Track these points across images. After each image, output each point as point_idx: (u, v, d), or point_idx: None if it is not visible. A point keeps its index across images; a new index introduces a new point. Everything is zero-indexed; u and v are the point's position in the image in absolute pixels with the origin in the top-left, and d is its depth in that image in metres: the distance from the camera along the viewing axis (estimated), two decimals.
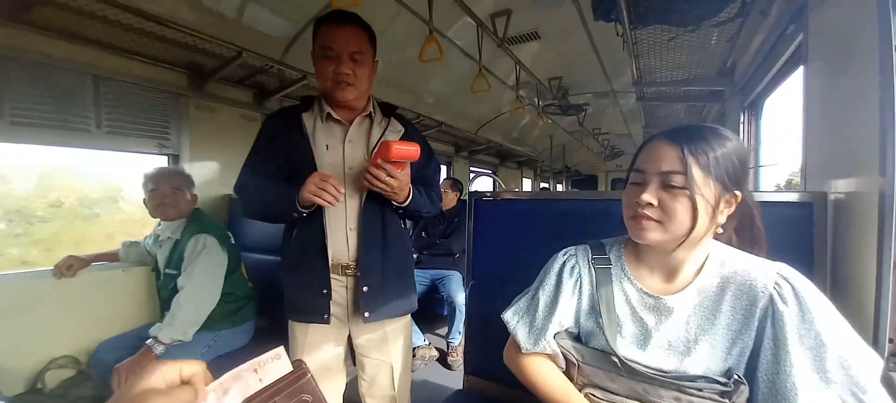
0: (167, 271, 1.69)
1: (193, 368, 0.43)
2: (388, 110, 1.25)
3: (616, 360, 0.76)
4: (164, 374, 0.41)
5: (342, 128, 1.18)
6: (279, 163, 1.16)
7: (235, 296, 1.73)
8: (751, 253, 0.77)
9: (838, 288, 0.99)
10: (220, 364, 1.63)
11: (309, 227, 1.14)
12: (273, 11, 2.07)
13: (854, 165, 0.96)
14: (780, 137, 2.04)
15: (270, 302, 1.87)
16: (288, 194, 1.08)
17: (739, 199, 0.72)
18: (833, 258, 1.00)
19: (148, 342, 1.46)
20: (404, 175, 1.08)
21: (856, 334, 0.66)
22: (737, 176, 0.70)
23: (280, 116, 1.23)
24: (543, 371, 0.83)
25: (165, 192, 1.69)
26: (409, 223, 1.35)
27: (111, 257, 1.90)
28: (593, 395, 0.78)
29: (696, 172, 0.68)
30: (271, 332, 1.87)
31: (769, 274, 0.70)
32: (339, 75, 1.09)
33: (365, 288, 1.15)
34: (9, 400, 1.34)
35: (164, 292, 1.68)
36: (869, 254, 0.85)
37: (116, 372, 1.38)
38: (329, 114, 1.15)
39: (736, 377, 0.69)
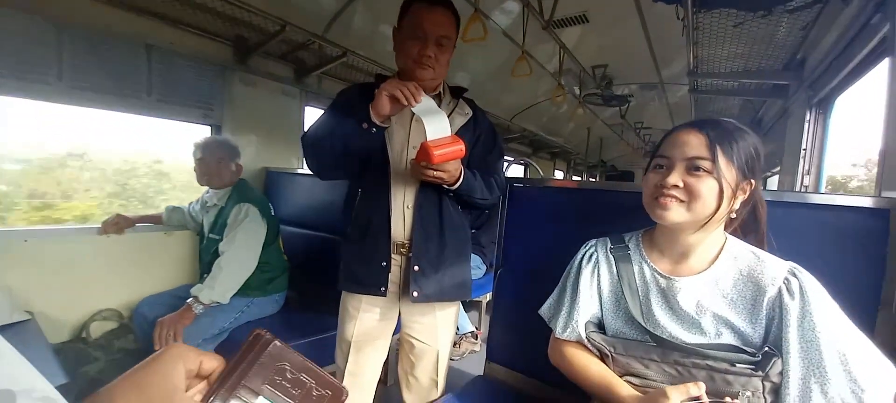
0: (210, 236, 1.76)
1: (213, 364, 0.41)
2: (457, 92, 1.24)
3: (646, 336, 0.80)
4: (186, 361, 0.39)
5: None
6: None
7: (271, 266, 1.79)
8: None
9: None
10: (250, 330, 1.69)
11: (374, 200, 1.15)
12: None
13: None
14: (851, 138, 1.87)
15: (302, 275, 1.92)
16: (359, 111, 1.06)
17: (753, 187, 0.77)
18: None
19: (188, 301, 1.53)
20: (450, 164, 1.05)
21: (870, 342, 0.68)
22: (752, 166, 0.76)
23: (354, 90, 1.23)
24: (585, 361, 0.86)
25: (211, 162, 1.76)
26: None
27: (155, 219, 2.00)
28: (631, 382, 0.79)
29: (722, 158, 0.74)
30: (300, 304, 1.92)
31: (781, 269, 0.74)
32: (422, 57, 1.08)
33: (416, 268, 1.14)
34: (54, 348, 1.45)
35: (206, 255, 1.75)
36: None
37: (159, 325, 1.46)
38: None
39: (767, 349, 0.71)
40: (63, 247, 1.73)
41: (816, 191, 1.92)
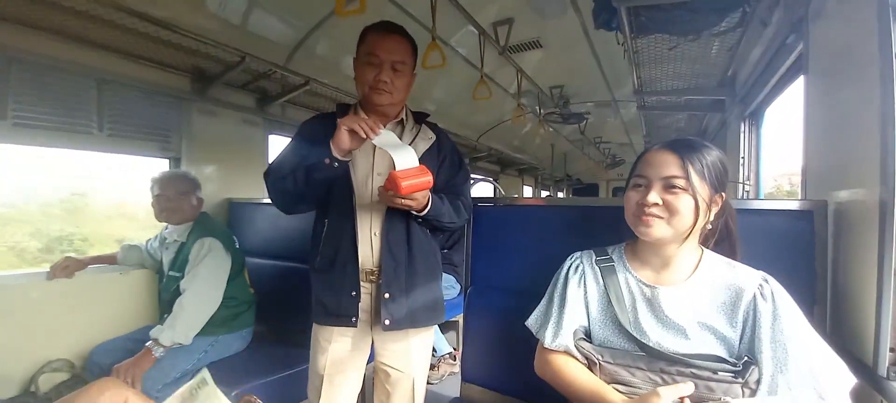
0: (171, 273, 1.69)
1: None
2: (420, 118, 1.26)
3: (633, 345, 0.84)
4: (113, 397, 0.43)
5: None
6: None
7: (237, 301, 1.73)
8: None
9: (838, 297, 0.98)
10: (215, 369, 1.60)
11: (341, 230, 1.15)
12: (278, 18, 2.09)
13: (855, 174, 0.96)
14: (780, 146, 2.05)
15: (270, 307, 1.87)
16: (320, 147, 1.08)
17: (724, 199, 0.85)
18: (833, 266, 0.99)
19: (148, 344, 1.45)
20: (418, 194, 1.07)
21: (826, 345, 0.76)
22: (721, 179, 0.83)
23: (316, 121, 1.24)
24: (573, 370, 0.89)
25: (170, 197, 1.70)
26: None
27: (109, 260, 1.89)
28: (617, 389, 0.82)
29: (694, 175, 0.80)
30: (269, 338, 1.86)
31: (755, 277, 0.81)
32: (378, 82, 1.11)
33: (386, 295, 1.14)
34: None
35: (166, 294, 1.67)
36: (869, 263, 0.85)
37: (115, 372, 1.38)
38: None
39: (746, 358, 0.76)
40: (7, 295, 1.61)
41: (756, 197, 2.09)
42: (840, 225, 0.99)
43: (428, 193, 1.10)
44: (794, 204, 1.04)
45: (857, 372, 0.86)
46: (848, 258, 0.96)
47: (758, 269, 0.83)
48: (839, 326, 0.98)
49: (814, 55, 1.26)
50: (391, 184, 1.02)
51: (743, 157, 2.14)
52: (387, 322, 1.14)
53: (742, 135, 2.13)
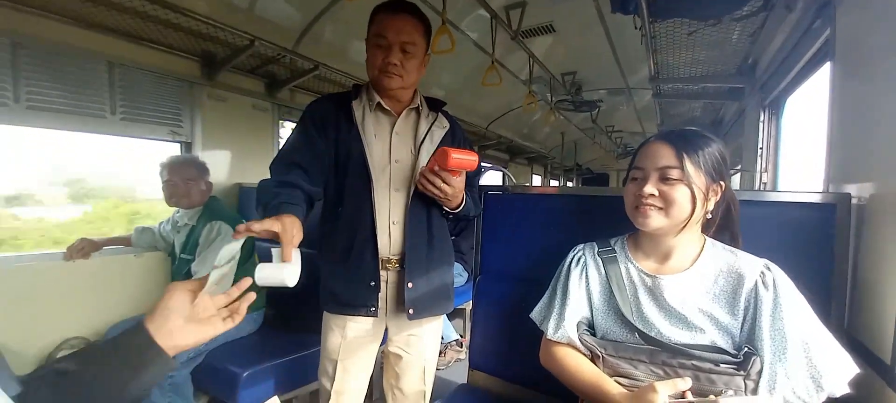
0: (182, 256, 1.72)
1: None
2: (436, 105, 1.23)
3: (635, 336, 0.84)
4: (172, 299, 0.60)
5: (390, 120, 1.16)
6: (325, 148, 1.11)
7: None
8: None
9: (859, 293, 0.96)
10: (226, 351, 1.62)
11: (358, 218, 1.12)
12: (285, 1, 2.07)
13: (881, 167, 0.92)
14: (800, 137, 1.99)
15: (279, 291, 1.88)
16: (273, 202, 1.01)
17: (724, 189, 0.84)
18: (855, 261, 0.96)
19: None
20: (459, 182, 1.06)
21: (830, 335, 0.75)
22: (719, 169, 0.83)
23: (327, 101, 1.18)
24: (576, 361, 0.89)
25: (179, 182, 1.71)
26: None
27: (123, 242, 1.93)
28: (620, 382, 0.82)
29: (690, 166, 0.80)
30: (279, 322, 1.88)
31: (757, 264, 0.81)
32: (386, 64, 1.07)
33: (410, 285, 1.12)
34: (20, 379, 1.36)
35: (178, 276, 1.71)
36: (893, 259, 0.82)
37: None
38: (379, 104, 1.14)
39: (747, 349, 0.76)
40: (26, 276, 1.65)
41: (774, 188, 2.03)
42: (863, 219, 0.96)
43: (463, 191, 1.10)
44: (815, 197, 1.00)
45: (875, 369, 0.84)
46: (870, 253, 0.93)
47: (774, 262, 0.81)
48: (857, 322, 0.96)
49: (841, 41, 1.20)
50: (441, 157, 1.00)
51: (761, 148, 2.08)
52: (411, 311, 1.12)
53: (761, 124, 2.07)
